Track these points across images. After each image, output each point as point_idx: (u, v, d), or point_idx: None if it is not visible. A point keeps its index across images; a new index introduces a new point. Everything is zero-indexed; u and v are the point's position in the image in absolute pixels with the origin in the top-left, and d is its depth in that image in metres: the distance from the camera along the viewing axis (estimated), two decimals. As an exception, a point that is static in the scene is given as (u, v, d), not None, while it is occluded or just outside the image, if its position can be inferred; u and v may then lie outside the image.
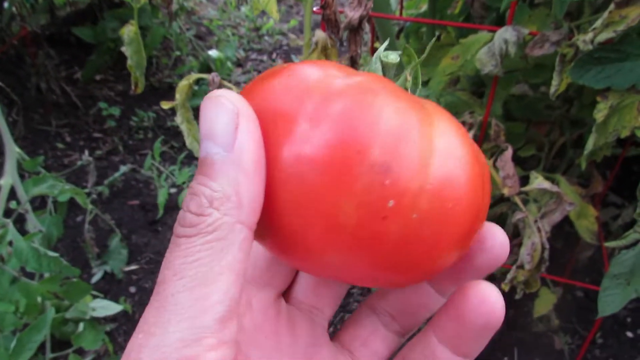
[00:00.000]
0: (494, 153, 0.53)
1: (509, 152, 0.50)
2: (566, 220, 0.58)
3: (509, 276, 0.52)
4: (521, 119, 0.63)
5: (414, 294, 0.22)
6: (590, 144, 0.46)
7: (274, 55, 1.71)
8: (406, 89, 0.20)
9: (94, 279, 0.96)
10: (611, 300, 0.49)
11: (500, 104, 0.56)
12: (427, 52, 0.21)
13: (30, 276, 0.72)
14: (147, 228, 1.08)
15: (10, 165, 0.77)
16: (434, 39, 0.21)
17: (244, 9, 1.89)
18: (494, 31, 0.47)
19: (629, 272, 0.48)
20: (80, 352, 0.78)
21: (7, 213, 0.70)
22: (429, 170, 0.17)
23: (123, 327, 0.89)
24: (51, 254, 0.61)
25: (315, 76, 0.18)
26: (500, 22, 0.55)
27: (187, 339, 0.15)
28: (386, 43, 0.21)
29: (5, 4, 1.20)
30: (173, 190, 1.15)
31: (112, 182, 1.15)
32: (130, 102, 1.40)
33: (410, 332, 0.23)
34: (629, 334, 0.86)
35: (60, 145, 1.26)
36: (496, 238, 0.20)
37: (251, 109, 0.17)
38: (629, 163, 0.88)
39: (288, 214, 0.17)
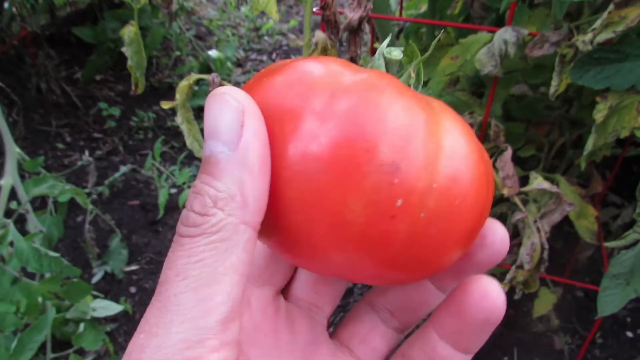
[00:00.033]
0: (493, 153, 0.53)
1: (508, 153, 0.50)
2: (566, 220, 0.58)
3: (508, 276, 0.52)
4: (521, 119, 0.63)
5: (414, 291, 0.22)
6: (589, 145, 0.46)
7: (273, 56, 1.71)
8: (409, 85, 0.20)
9: (95, 279, 0.96)
10: (611, 301, 0.49)
11: (500, 105, 0.56)
12: (430, 51, 0.21)
13: (31, 276, 0.72)
14: (148, 228, 1.08)
15: (10, 166, 0.77)
16: (436, 39, 0.21)
17: (243, 9, 1.89)
18: (493, 32, 0.47)
19: (628, 272, 0.49)
20: (81, 352, 0.78)
21: (8, 213, 0.70)
22: (437, 169, 0.17)
23: (123, 328, 0.89)
24: (52, 254, 0.61)
25: (320, 72, 0.18)
26: (499, 22, 0.55)
27: (190, 340, 0.15)
28: (388, 39, 0.21)
29: (6, 5, 1.20)
30: (173, 190, 1.15)
31: (113, 182, 1.15)
32: (131, 102, 1.40)
33: (410, 329, 0.23)
34: (629, 334, 0.86)
35: (60, 146, 1.26)
36: (497, 233, 0.20)
37: (256, 107, 0.17)
38: (628, 163, 0.88)
39: (293, 211, 0.17)
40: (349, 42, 0.41)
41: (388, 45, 0.21)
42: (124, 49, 0.55)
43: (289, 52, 1.74)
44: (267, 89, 0.18)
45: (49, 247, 0.74)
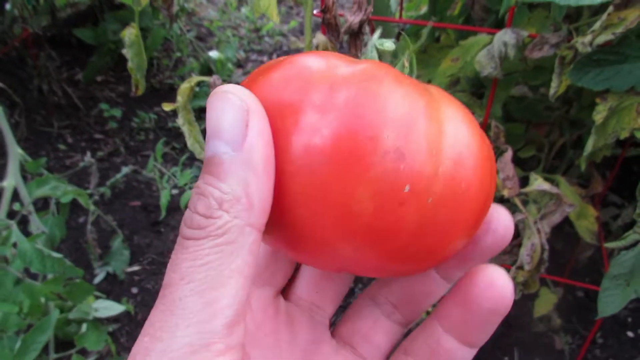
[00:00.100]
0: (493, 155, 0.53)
1: (508, 154, 0.51)
2: (566, 221, 0.59)
3: (509, 277, 0.52)
4: (521, 120, 0.63)
5: (418, 281, 0.22)
6: (589, 146, 0.46)
7: (274, 56, 1.72)
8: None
9: (97, 280, 0.97)
10: (611, 301, 0.49)
11: (500, 106, 0.56)
12: (423, 39, 0.21)
13: (34, 277, 0.72)
14: (149, 229, 1.08)
15: (13, 167, 0.77)
16: (429, 31, 0.21)
17: (244, 10, 1.89)
18: (493, 33, 0.47)
19: (628, 272, 0.49)
20: (83, 352, 0.78)
21: (11, 214, 0.70)
22: (441, 153, 0.17)
23: (125, 328, 0.89)
24: (55, 255, 0.62)
25: (317, 65, 0.18)
26: (499, 24, 0.55)
27: (196, 344, 0.15)
28: (379, 31, 0.22)
29: (7, 6, 1.20)
30: (175, 191, 1.16)
31: (114, 183, 1.15)
32: (132, 104, 1.41)
33: (413, 322, 0.23)
34: (630, 334, 0.86)
35: (62, 147, 1.27)
36: (501, 218, 0.20)
37: (260, 105, 0.17)
38: (628, 163, 0.88)
39: (298, 206, 0.17)
40: (349, 45, 0.41)
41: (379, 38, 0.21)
42: (124, 51, 0.55)
43: (290, 53, 1.75)
44: (266, 85, 0.18)
45: (52, 248, 0.74)
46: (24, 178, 0.78)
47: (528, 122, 0.64)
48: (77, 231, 1.05)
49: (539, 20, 0.49)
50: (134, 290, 0.97)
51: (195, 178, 1.16)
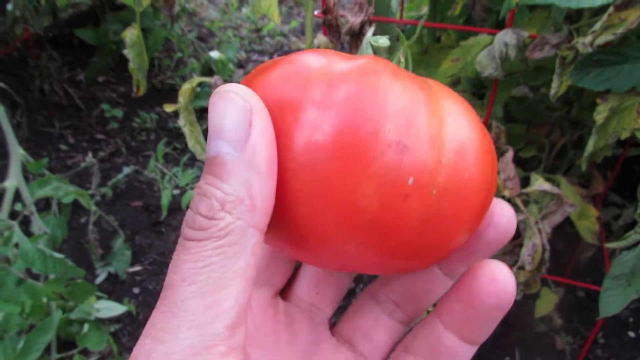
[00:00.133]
0: (494, 155, 0.53)
1: (509, 154, 0.51)
2: (567, 221, 0.59)
3: (510, 277, 0.52)
4: (522, 121, 0.63)
5: (420, 279, 0.21)
6: (590, 146, 0.46)
7: (275, 57, 1.72)
8: None
9: (98, 280, 0.97)
10: (612, 301, 0.49)
11: (501, 106, 0.57)
12: (417, 33, 0.21)
13: (35, 277, 0.73)
14: (151, 229, 1.08)
15: (15, 167, 0.77)
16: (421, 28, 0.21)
17: (245, 10, 1.89)
18: (493, 34, 0.47)
19: (629, 273, 0.49)
20: (85, 352, 0.79)
21: (12, 215, 0.70)
22: (443, 144, 0.17)
23: (127, 328, 0.89)
24: (57, 255, 0.62)
25: (316, 62, 0.18)
26: (500, 25, 0.55)
27: (198, 346, 0.15)
28: (372, 28, 0.22)
29: (9, 6, 1.20)
30: (176, 191, 1.16)
31: (116, 183, 1.15)
32: (133, 104, 1.41)
33: (414, 321, 0.23)
34: (631, 334, 0.86)
35: (63, 147, 1.27)
36: (503, 212, 0.19)
37: (263, 104, 0.16)
38: (629, 163, 0.88)
39: (300, 204, 0.17)
40: (350, 46, 0.41)
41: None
42: (126, 52, 0.55)
43: (291, 53, 1.75)
44: (265, 84, 0.18)
45: (53, 248, 0.74)
46: (26, 178, 0.79)
47: (529, 122, 0.64)
48: (79, 231, 1.05)
49: (539, 20, 0.49)
50: (136, 290, 0.97)
51: (197, 178, 1.17)
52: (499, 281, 0.18)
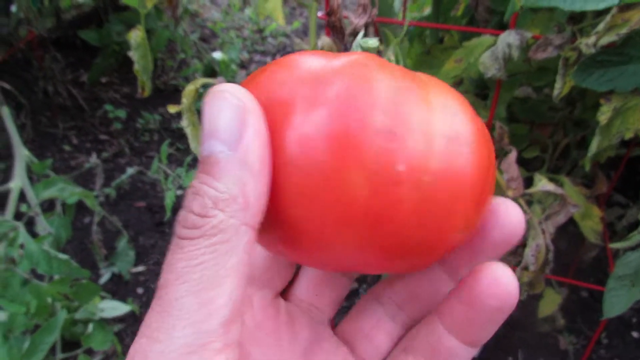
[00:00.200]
0: (498, 156, 0.54)
1: (513, 155, 0.51)
2: (571, 221, 0.59)
3: (513, 277, 0.52)
4: (525, 121, 0.63)
5: (424, 280, 0.21)
6: (594, 146, 0.46)
7: (277, 57, 1.72)
8: None
9: (102, 280, 0.97)
10: (616, 302, 0.49)
11: (504, 107, 0.57)
12: (404, 32, 0.21)
13: (40, 278, 0.73)
14: (154, 230, 1.09)
15: (19, 168, 0.78)
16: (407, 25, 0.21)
17: (247, 11, 1.89)
18: (497, 35, 0.47)
19: (633, 273, 0.49)
20: (90, 352, 0.79)
21: (17, 216, 0.71)
22: (433, 131, 0.16)
23: (131, 328, 0.90)
24: (62, 256, 0.62)
25: (307, 61, 0.18)
26: (503, 25, 0.55)
27: (193, 344, 0.15)
28: (362, 32, 0.22)
29: (13, 8, 1.21)
30: (180, 192, 1.16)
31: (119, 184, 1.16)
32: (136, 105, 1.41)
33: (416, 323, 0.22)
34: (635, 334, 0.86)
35: (67, 148, 1.27)
36: (511, 212, 0.19)
37: (257, 104, 0.17)
38: (633, 163, 0.88)
39: (293, 203, 0.17)
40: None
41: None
42: (130, 53, 0.55)
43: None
44: (258, 84, 0.18)
45: (57, 248, 0.75)
46: (30, 179, 0.79)
47: (532, 122, 0.64)
48: (83, 232, 1.06)
49: (542, 21, 0.49)
50: (139, 290, 0.97)
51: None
52: (501, 283, 0.18)
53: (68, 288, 0.66)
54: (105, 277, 0.98)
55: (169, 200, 1.05)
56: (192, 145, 0.59)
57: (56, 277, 0.68)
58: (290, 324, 0.22)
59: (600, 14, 0.45)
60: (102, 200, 1.13)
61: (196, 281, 0.15)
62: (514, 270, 0.53)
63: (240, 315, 0.16)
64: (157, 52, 1.45)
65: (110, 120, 1.35)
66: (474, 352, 0.20)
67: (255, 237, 0.17)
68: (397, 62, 0.21)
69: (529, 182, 0.54)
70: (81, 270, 0.64)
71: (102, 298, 0.81)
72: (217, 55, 1.49)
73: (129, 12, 1.37)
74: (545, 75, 0.55)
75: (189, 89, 0.56)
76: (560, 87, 0.45)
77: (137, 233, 1.07)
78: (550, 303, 0.73)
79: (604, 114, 0.44)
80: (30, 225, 0.86)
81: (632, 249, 0.49)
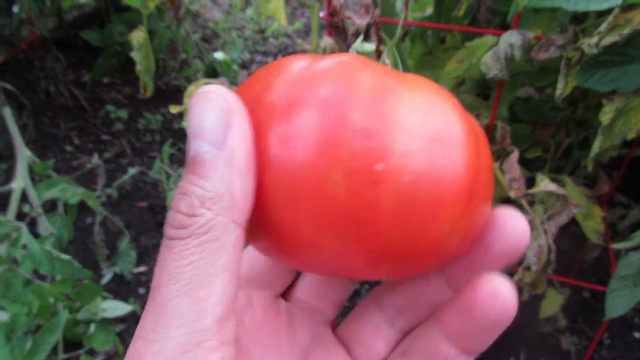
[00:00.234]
0: (500, 156, 0.54)
1: (515, 155, 0.51)
2: (573, 221, 0.58)
3: (515, 278, 0.52)
4: (527, 121, 0.63)
5: (424, 289, 0.21)
6: (596, 147, 0.46)
7: (279, 57, 1.72)
8: None
9: (104, 281, 0.98)
10: (619, 302, 0.49)
11: (506, 107, 0.57)
12: (398, 33, 0.21)
13: (42, 278, 0.73)
14: (156, 230, 1.09)
15: (21, 169, 0.78)
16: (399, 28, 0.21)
17: (249, 11, 1.89)
18: (499, 35, 0.47)
19: (635, 273, 0.49)
20: (91, 352, 0.79)
21: (19, 216, 0.71)
22: (415, 131, 0.16)
23: (133, 328, 0.90)
24: (64, 256, 0.62)
25: (291, 64, 0.18)
26: (505, 25, 0.55)
27: (188, 343, 0.15)
28: (361, 37, 0.22)
29: (15, 9, 1.21)
30: (181, 192, 1.16)
31: (121, 184, 1.16)
32: (138, 105, 1.42)
33: (414, 329, 0.22)
34: (637, 335, 0.85)
35: (69, 148, 1.28)
36: (515, 224, 0.18)
37: (242, 104, 0.17)
38: (635, 163, 0.87)
39: (278, 205, 0.17)
40: (356, 47, 0.41)
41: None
42: (132, 54, 0.55)
43: (294, 54, 1.75)
44: (245, 87, 0.18)
45: (59, 249, 0.75)
46: (32, 180, 0.79)
47: (534, 123, 0.64)
48: (85, 232, 1.06)
49: (545, 21, 0.49)
50: (141, 290, 0.97)
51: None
52: (500, 298, 0.18)
53: (70, 288, 0.66)
54: (107, 277, 0.98)
55: (170, 200, 1.05)
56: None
57: (58, 277, 0.68)
58: (290, 325, 0.22)
59: (602, 14, 0.45)
60: (104, 201, 1.13)
61: (187, 281, 0.15)
62: (515, 270, 0.53)
63: (233, 314, 0.17)
64: (159, 52, 1.45)
65: (112, 121, 1.36)
66: (472, 359, 0.20)
67: (244, 235, 0.17)
68: (395, 64, 0.21)
69: (531, 182, 0.54)
70: (83, 271, 0.64)
71: (104, 298, 0.81)
72: (219, 55, 1.49)
73: (130, 12, 1.38)
74: (547, 76, 0.54)
75: (191, 89, 0.56)
76: (562, 88, 0.45)
77: (138, 233, 1.07)
78: (552, 303, 0.73)
79: (606, 114, 0.44)
80: (32, 225, 0.86)
81: (634, 249, 0.49)
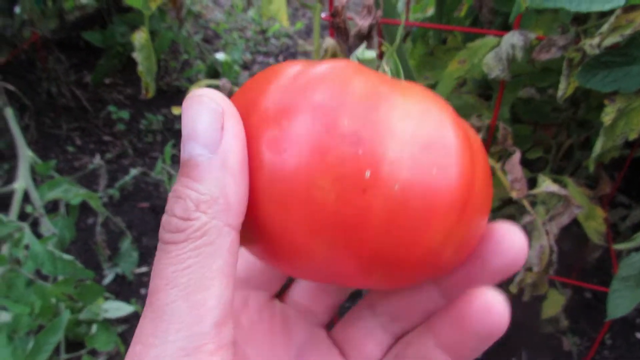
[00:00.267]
0: (501, 156, 0.54)
1: (516, 156, 0.51)
2: (574, 221, 0.58)
3: (517, 278, 0.52)
4: (528, 122, 0.63)
5: (419, 299, 0.21)
6: (598, 147, 0.46)
7: (280, 58, 1.72)
8: None
9: (106, 281, 0.98)
10: (620, 303, 0.49)
11: (508, 108, 0.57)
12: (398, 42, 0.21)
13: (44, 278, 0.73)
14: (158, 230, 1.09)
15: (23, 169, 0.78)
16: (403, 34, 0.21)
17: (250, 12, 1.90)
18: (500, 36, 0.47)
19: (638, 274, 0.49)
20: (93, 353, 0.79)
21: (21, 217, 0.71)
22: (406, 138, 0.16)
23: (134, 329, 0.90)
24: (66, 257, 0.62)
25: (285, 70, 0.18)
26: (507, 26, 0.55)
27: (188, 347, 0.15)
28: (364, 45, 0.22)
29: (17, 10, 1.21)
30: (182, 192, 1.16)
31: (123, 185, 1.16)
32: (139, 106, 1.42)
33: (407, 333, 0.22)
34: (638, 335, 0.85)
35: (70, 149, 1.28)
36: (514, 240, 0.18)
37: (235, 108, 0.17)
38: (637, 164, 0.87)
39: (270, 210, 0.17)
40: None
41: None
42: (134, 55, 0.56)
43: (296, 55, 1.75)
44: (239, 91, 0.18)
45: (61, 249, 0.75)
46: (34, 180, 0.79)
47: (536, 123, 0.64)
48: (86, 233, 1.06)
49: (546, 22, 0.49)
50: (143, 291, 0.97)
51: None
52: (493, 311, 0.18)
53: (72, 289, 0.66)
54: (108, 277, 0.98)
55: (172, 201, 1.06)
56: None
57: (60, 277, 0.68)
58: (285, 326, 0.23)
59: (604, 14, 0.45)
60: (106, 201, 1.13)
61: (184, 285, 0.16)
62: (517, 271, 0.53)
63: (231, 316, 0.17)
64: (161, 53, 1.45)
65: (113, 121, 1.36)
66: None
67: (238, 238, 0.17)
68: (397, 69, 0.21)
69: (532, 183, 0.54)
70: (85, 271, 0.64)
71: (106, 299, 0.82)
72: (220, 56, 1.49)
73: (132, 13, 1.38)
74: (549, 76, 0.54)
75: (192, 90, 0.57)
76: (564, 88, 0.45)
77: (140, 234, 1.07)
78: (554, 304, 0.73)
79: (608, 115, 0.44)
80: (34, 226, 0.86)
81: (636, 249, 0.49)
